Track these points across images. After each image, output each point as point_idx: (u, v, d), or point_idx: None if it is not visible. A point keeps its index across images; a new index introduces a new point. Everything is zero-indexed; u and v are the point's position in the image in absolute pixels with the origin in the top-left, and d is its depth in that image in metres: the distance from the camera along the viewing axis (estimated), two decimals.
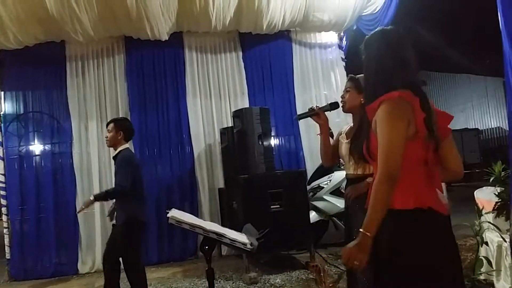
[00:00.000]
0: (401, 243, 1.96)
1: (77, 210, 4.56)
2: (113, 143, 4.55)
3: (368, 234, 1.91)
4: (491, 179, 4.12)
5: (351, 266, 1.93)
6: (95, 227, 6.70)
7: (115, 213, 4.48)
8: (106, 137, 4.59)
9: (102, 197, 4.67)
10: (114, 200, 4.59)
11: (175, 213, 2.67)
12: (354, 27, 7.70)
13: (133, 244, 4.43)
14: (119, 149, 4.51)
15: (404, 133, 2.00)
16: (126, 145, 4.58)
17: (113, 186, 4.59)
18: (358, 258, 1.91)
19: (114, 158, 4.57)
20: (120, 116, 6.91)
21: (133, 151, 6.79)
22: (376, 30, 2.31)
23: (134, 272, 4.41)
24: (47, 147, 6.88)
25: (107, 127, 4.63)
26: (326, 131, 3.22)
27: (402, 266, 1.95)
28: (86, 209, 4.53)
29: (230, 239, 2.63)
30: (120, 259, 4.45)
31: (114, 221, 4.49)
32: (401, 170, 1.97)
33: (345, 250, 1.94)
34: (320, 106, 3.27)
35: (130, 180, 4.30)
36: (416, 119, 2.03)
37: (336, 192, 6.66)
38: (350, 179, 3.20)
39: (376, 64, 2.18)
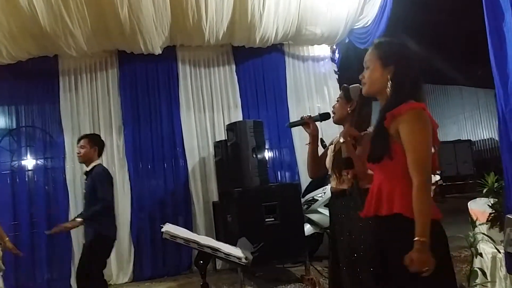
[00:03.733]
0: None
1: (53, 230, 4.51)
2: (86, 159, 4.55)
3: (426, 240, 1.93)
4: (485, 190, 4.13)
5: (422, 272, 1.92)
6: None
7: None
8: (78, 152, 4.57)
9: (90, 216, 4.46)
10: None
11: (169, 228, 2.65)
12: (346, 40, 7.76)
13: (99, 261, 4.40)
14: (92, 164, 4.51)
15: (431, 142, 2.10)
16: (99, 161, 4.61)
17: (83, 204, 4.62)
18: (430, 263, 1.91)
19: (86, 173, 4.55)
20: (114, 130, 6.94)
21: (126, 165, 6.88)
22: (395, 41, 2.33)
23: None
24: (40, 162, 6.84)
25: (78, 142, 4.62)
26: (315, 142, 3.19)
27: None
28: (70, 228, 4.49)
29: (225, 254, 2.62)
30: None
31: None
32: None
33: (413, 259, 1.92)
34: (311, 116, 3.26)
35: (111, 194, 4.33)
36: (433, 130, 2.14)
37: None
38: (334, 193, 3.12)
39: (408, 73, 2.21)
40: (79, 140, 4.65)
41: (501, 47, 3.37)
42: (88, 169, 4.54)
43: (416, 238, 1.94)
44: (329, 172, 3.19)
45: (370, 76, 2.28)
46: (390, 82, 2.19)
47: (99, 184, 4.37)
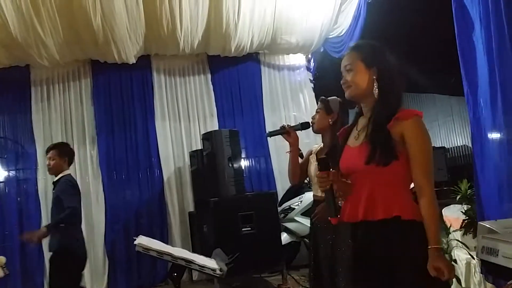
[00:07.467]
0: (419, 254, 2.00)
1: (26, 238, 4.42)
2: (56, 170, 4.42)
3: (438, 246, 1.97)
4: (458, 197, 4.19)
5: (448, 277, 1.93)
6: None
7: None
8: (48, 164, 4.45)
9: (55, 225, 4.31)
10: None
11: (142, 240, 2.61)
12: (321, 49, 7.81)
13: (64, 277, 4.17)
14: (61, 174, 4.39)
15: None
16: (68, 171, 4.48)
17: (50, 215, 4.50)
18: (446, 265, 1.92)
19: (54, 183, 4.43)
20: (87, 140, 6.83)
21: (100, 176, 6.77)
22: (373, 42, 2.29)
23: None
24: (11, 173, 6.69)
25: (47, 153, 4.48)
26: (295, 150, 3.28)
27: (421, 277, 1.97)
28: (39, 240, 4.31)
29: (199, 265, 2.59)
30: None
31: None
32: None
33: (441, 267, 1.91)
34: (291, 125, 3.33)
35: (77, 202, 4.21)
36: None
37: (307, 213, 6.58)
38: (317, 201, 3.21)
39: (393, 73, 2.20)
40: (47, 151, 4.50)
41: (471, 55, 3.43)
42: (55, 179, 4.44)
43: (434, 246, 1.95)
44: (313, 181, 3.30)
45: (354, 79, 2.19)
46: (377, 83, 2.15)
47: (64, 193, 4.26)
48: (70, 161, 4.53)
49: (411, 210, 2.04)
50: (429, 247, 1.96)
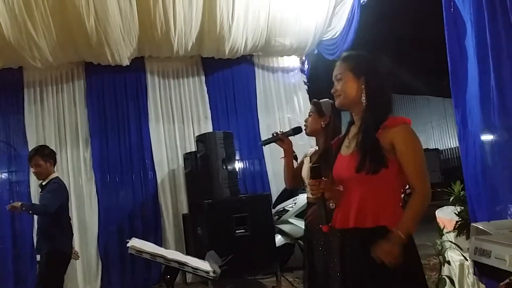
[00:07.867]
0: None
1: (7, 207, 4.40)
2: (46, 175, 4.43)
3: (403, 237, 2.01)
4: (451, 199, 4.20)
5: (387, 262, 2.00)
6: None
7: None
8: (35, 172, 4.45)
9: (28, 207, 4.48)
10: None
11: (135, 243, 2.60)
12: (315, 52, 7.83)
13: (55, 276, 4.28)
14: (49, 177, 4.42)
15: None
16: (56, 173, 4.53)
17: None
18: (396, 254, 1.99)
19: (41, 186, 4.45)
20: (81, 143, 6.81)
21: (93, 178, 6.75)
22: (362, 53, 2.38)
23: None
24: (4, 175, 6.66)
25: (31, 161, 4.45)
26: (289, 155, 3.30)
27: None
28: (11, 209, 4.34)
29: (192, 268, 2.59)
30: None
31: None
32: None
33: (388, 250, 2.00)
34: (283, 131, 3.34)
35: (56, 205, 4.22)
36: None
37: (301, 215, 6.61)
38: (311, 203, 3.23)
39: (381, 82, 2.26)
40: (29, 159, 4.47)
41: (461, 59, 3.43)
42: (44, 182, 4.44)
43: (399, 231, 2.02)
44: (305, 183, 3.31)
45: (344, 88, 2.28)
46: (365, 92, 2.22)
47: (49, 194, 4.29)
48: (55, 162, 4.56)
49: (398, 220, 2.08)
50: (393, 228, 2.04)
